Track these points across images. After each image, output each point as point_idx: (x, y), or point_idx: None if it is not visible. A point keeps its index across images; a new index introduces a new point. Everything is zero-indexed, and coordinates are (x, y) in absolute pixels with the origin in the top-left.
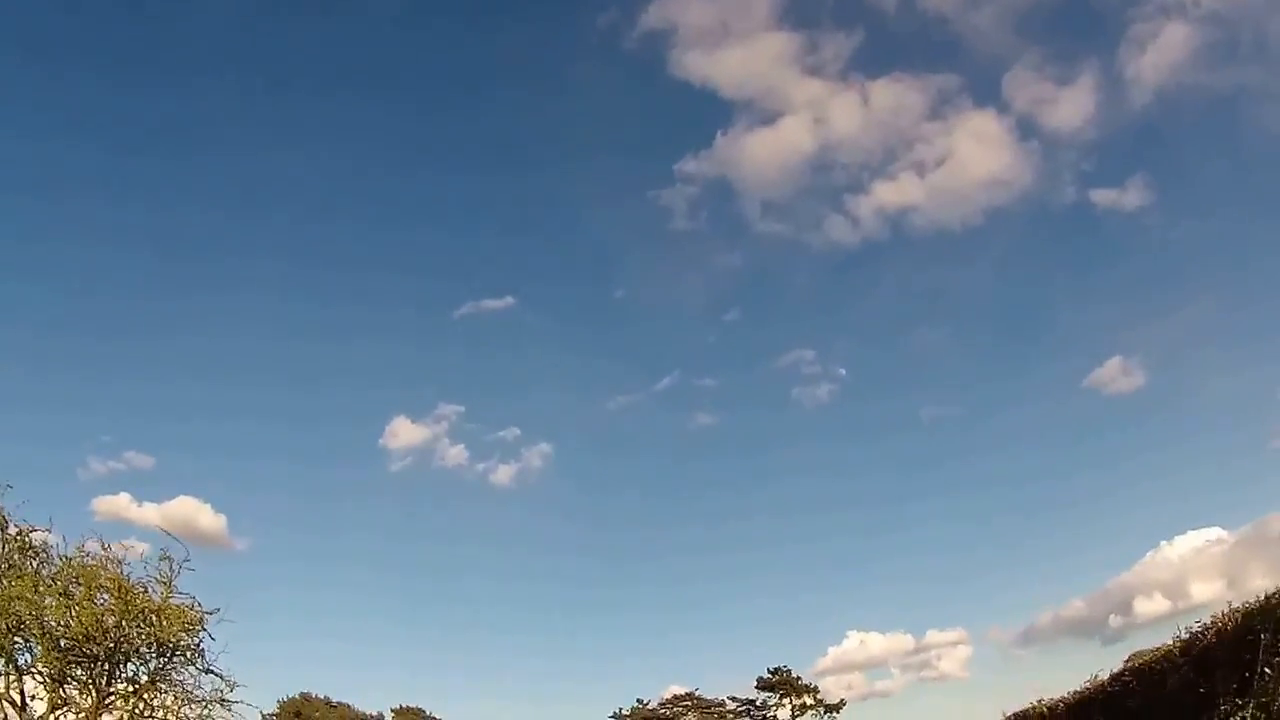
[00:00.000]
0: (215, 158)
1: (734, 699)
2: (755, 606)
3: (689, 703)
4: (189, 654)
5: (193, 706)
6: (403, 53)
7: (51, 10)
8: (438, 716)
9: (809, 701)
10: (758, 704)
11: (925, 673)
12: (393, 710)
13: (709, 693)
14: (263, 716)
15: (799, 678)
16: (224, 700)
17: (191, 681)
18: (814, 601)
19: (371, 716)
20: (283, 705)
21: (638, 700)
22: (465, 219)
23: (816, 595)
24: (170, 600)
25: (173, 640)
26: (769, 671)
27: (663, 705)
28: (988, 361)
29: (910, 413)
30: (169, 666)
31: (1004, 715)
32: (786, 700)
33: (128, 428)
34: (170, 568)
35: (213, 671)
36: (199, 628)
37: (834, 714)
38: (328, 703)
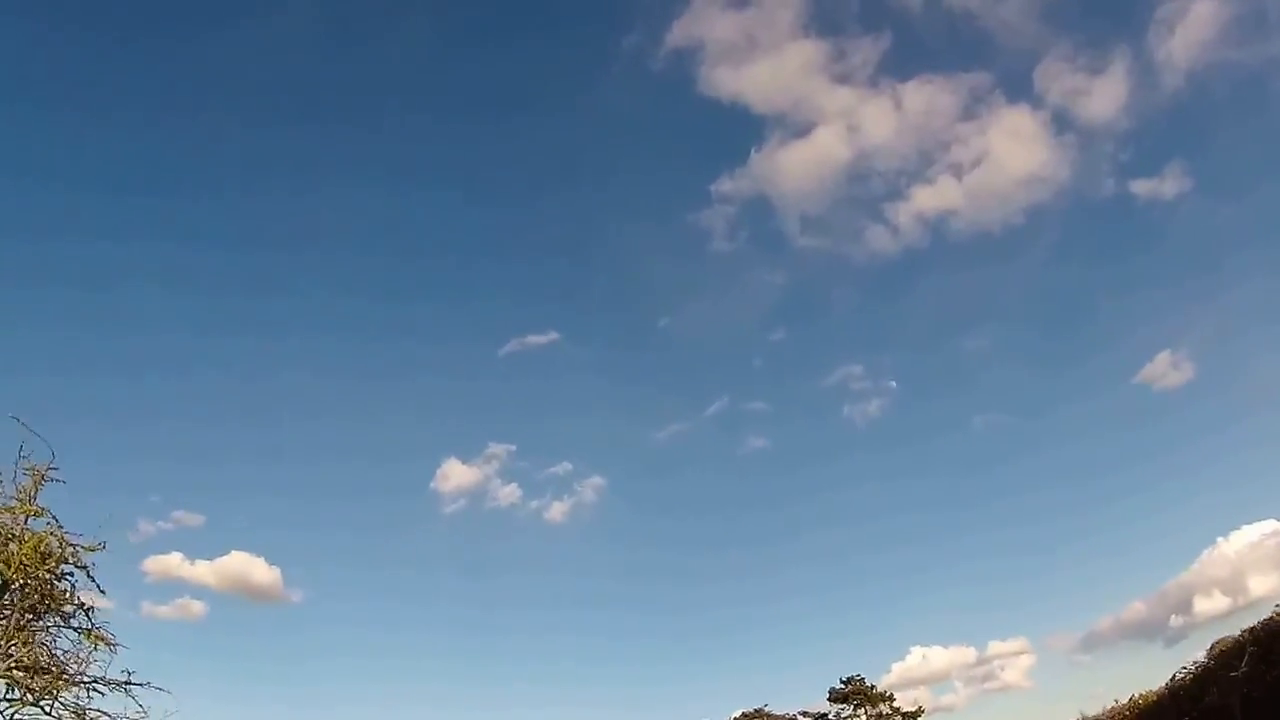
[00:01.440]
0: (252, 195)
1: (805, 714)
2: (818, 625)
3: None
4: (56, 601)
5: (70, 689)
6: (435, 84)
7: (86, 57)
8: None
9: (885, 711)
10: (830, 717)
11: (989, 684)
12: None
13: (777, 710)
14: None
15: (873, 686)
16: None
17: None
18: (876, 617)
19: None
20: None
21: None
22: (503, 254)
23: (878, 611)
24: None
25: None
26: (842, 682)
27: None
28: (1036, 363)
29: (962, 420)
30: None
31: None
32: (861, 711)
33: (175, 486)
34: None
35: (97, 635)
36: (64, 561)
37: None
38: None
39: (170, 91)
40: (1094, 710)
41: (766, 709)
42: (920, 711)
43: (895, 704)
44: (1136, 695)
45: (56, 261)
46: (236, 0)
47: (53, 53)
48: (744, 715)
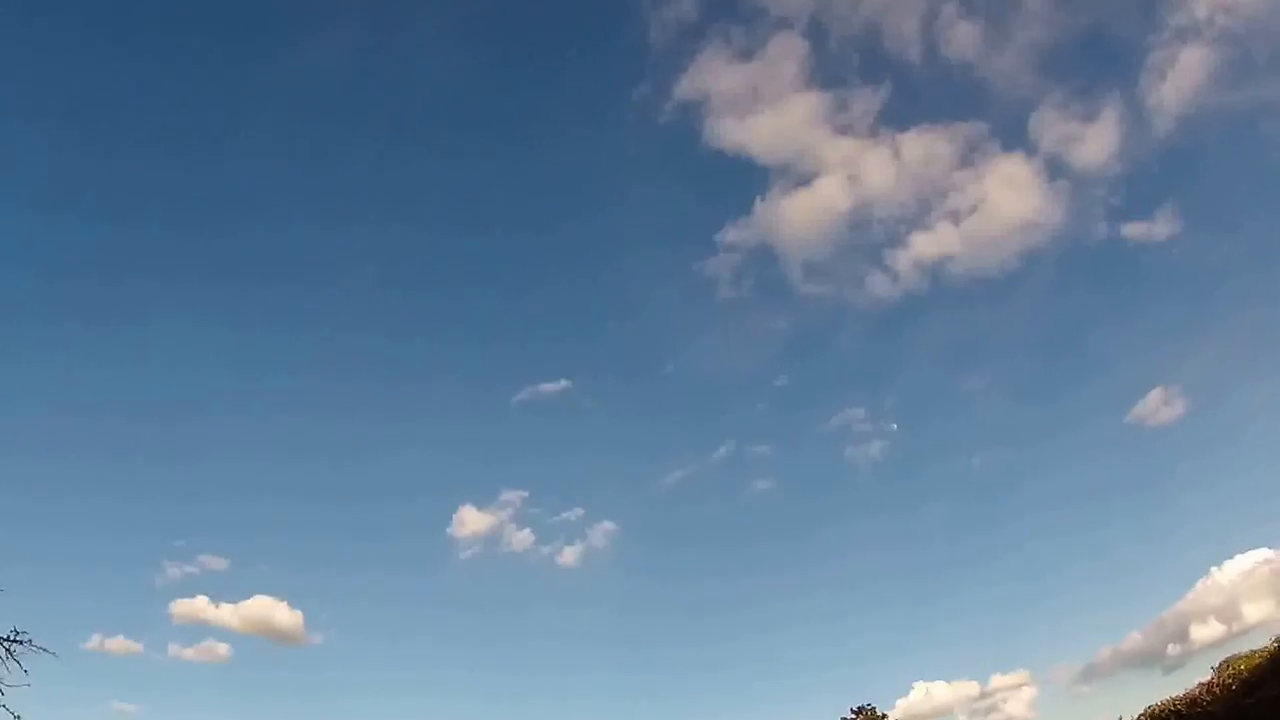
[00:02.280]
0: (269, 231)
1: None
2: (824, 655)
3: None
4: None
5: None
6: (449, 126)
7: (106, 84)
8: None
9: None
10: None
11: (992, 717)
12: None
13: None
14: None
15: (884, 715)
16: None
17: None
18: (881, 654)
19: None
20: None
21: None
22: (514, 298)
23: (882, 648)
24: None
25: None
26: (853, 711)
27: None
28: (1033, 403)
29: (961, 457)
30: None
31: None
32: None
33: (201, 529)
34: None
35: None
36: None
37: None
38: None
39: (187, 123)
40: None
41: None
42: None
43: None
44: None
45: (82, 296)
46: (251, 32)
47: (76, 78)
48: None
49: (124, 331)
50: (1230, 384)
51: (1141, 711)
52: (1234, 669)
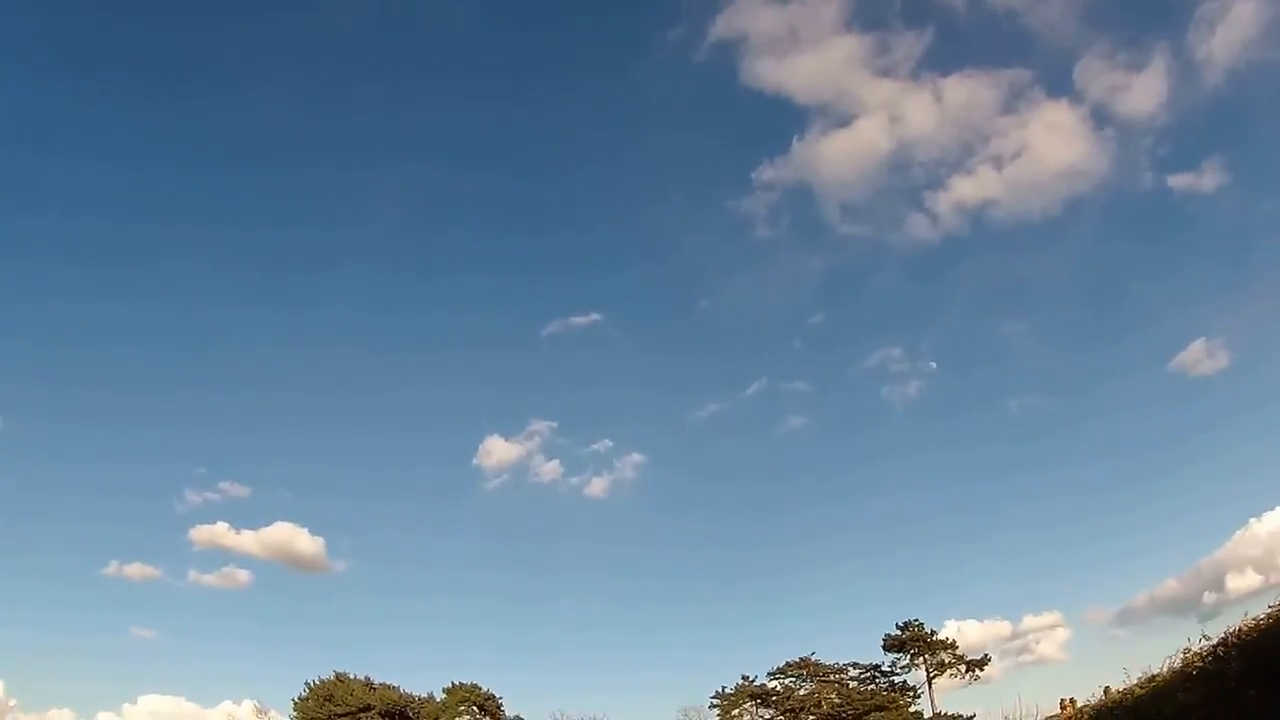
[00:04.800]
0: (297, 172)
1: (856, 665)
2: (855, 596)
3: (804, 670)
4: None
5: None
6: (481, 67)
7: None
8: (494, 693)
9: (947, 659)
10: (885, 667)
11: (1024, 657)
12: (445, 689)
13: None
14: (293, 701)
15: (934, 632)
16: None
17: None
18: (912, 591)
19: (420, 697)
20: (313, 688)
21: (742, 676)
22: (545, 235)
23: (914, 586)
24: None
25: None
26: (898, 627)
27: (773, 675)
28: (1073, 350)
29: (999, 403)
30: None
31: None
32: (920, 659)
33: (221, 457)
34: None
35: None
36: None
37: (976, 672)
38: (367, 684)
39: (217, 69)
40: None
41: (814, 657)
42: (987, 659)
43: (958, 651)
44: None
45: (111, 235)
46: None
47: (104, 31)
48: (787, 665)
49: (154, 268)
50: (1274, 338)
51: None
52: None
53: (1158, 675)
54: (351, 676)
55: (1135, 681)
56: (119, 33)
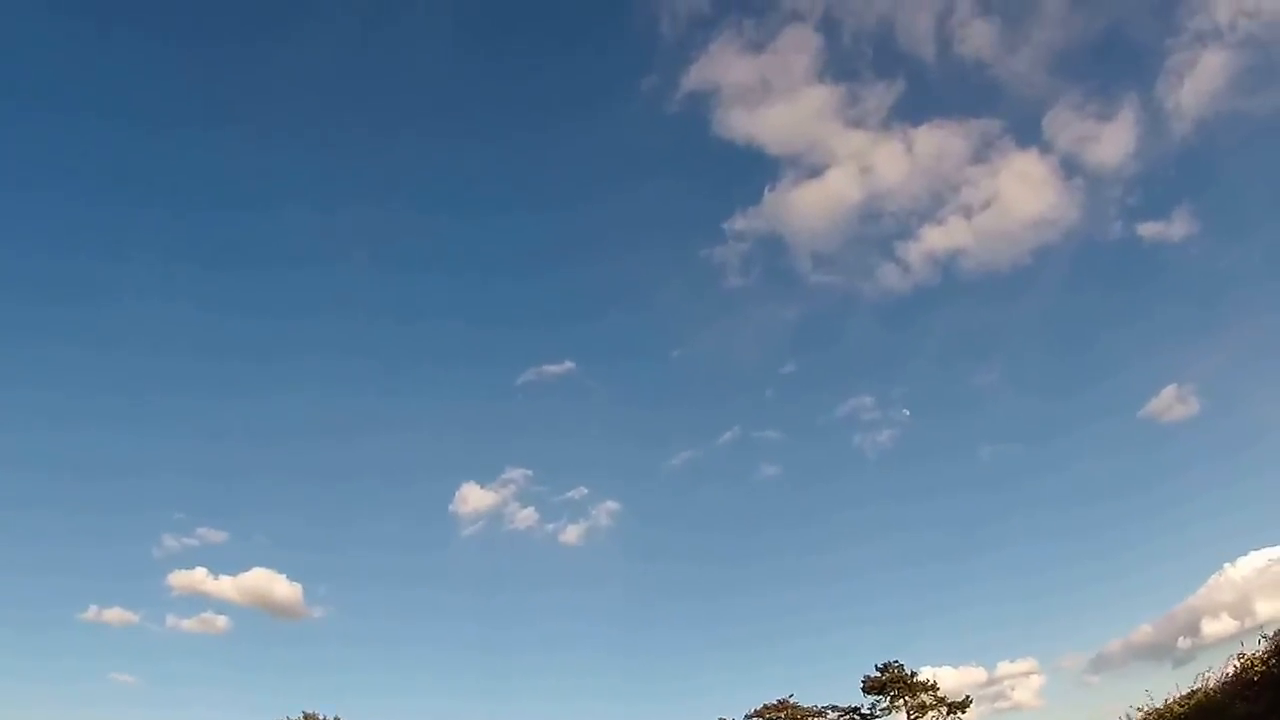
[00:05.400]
0: (274, 213)
1: (835, 708)
2: (830, 645)
3: (781, 713)
4: None
5: None
6: (457, 110)
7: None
8: None
9: (928, 701)
10: (864, 710)
11: (999, 704)
12: None
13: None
14: None
15: (914, 674)
16: None
17: None
18: (888, 638)
19: None
20: None
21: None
22: (520, 283)
23: (888, 634)
24: None
25: None
26: (878, 669)
27: (750, 717)
28: (1044, 397)
29: (970, 451)
30: None
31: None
32: (901, 701)
33: (200, 503)
34: None
35: None
36: None
37: (958, 714)
38: None
39: (192, 106)
40: None
41: (792, 699)
42: (968, 701)
43: (939, 693)
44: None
45: (84, 277)
46: (261, 18)
47: (81, 69)
48: (768, 706)
49: (128, 312)
50: (1244, 384)
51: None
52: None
53: (1197, 690)
54: (320, 717)
55: (1172, 699)
56: (90, 69)
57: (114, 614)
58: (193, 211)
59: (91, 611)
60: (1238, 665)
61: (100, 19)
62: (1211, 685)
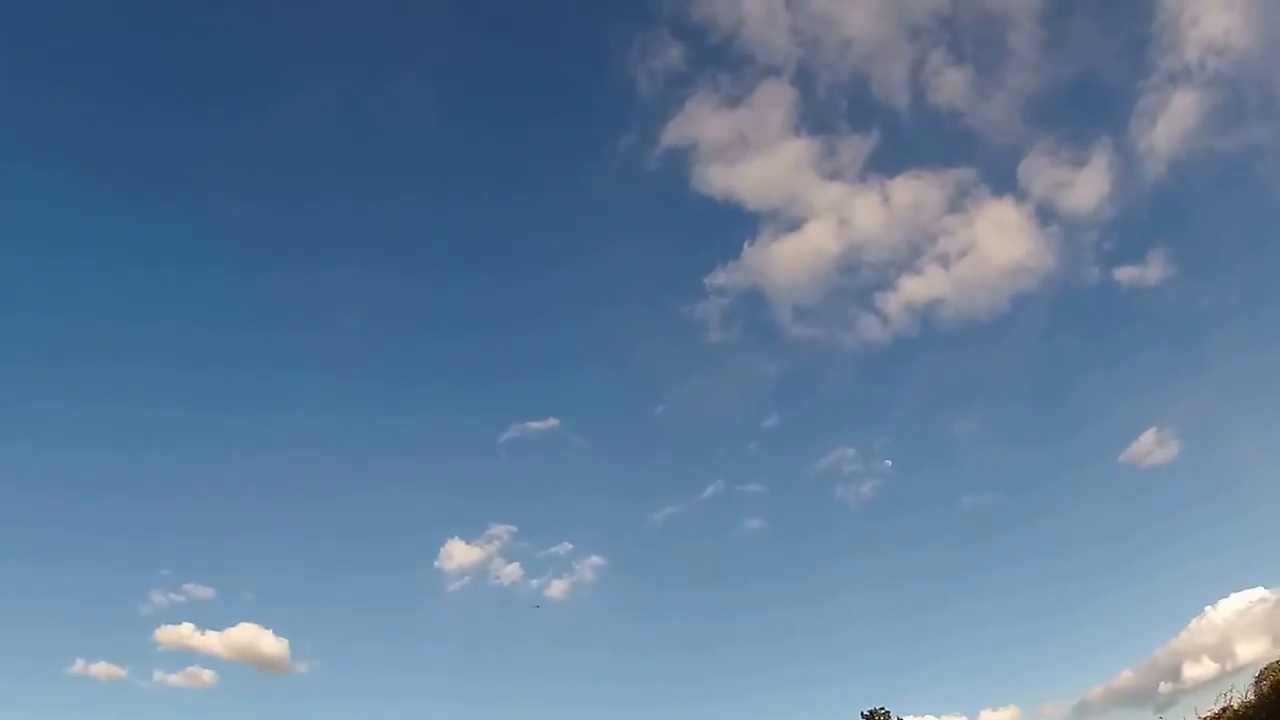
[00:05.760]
0: (261, 272)
1: None
2: (815, 698)
3: None
4: None
5: None
6: (439, 171)
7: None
8: None
9: None
10: None
11: None
12: None
13: None
14: None
15: (901, 719)
16: None
17: None
18: (869, 690)
19: None
20: None
21: None
22: (501, 341)
23: (871, 684)
24: None
25: None
26: (864, 716)
27: None
28: (1023, 445)
29: (951, 501)
30: None
31: None
32: None
33: (186, 559)
34: None
35: None
36: None
37: None
38: None
39: (180, 167)
40: None
41: None
42: None
43: None
44: None
45: (74, 333)
46: (250, 85)
47: (72, 128)
48: None
49: (117, 371)
50: (1223, 426)
51: None
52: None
53: (1226, 708)
54: None
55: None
56: (81, 128)
57: (101, 668)
58: (178, 270)
59: (79, 665)
60: (1273, 677)
61: (90, 80)
62: (1235, 706)
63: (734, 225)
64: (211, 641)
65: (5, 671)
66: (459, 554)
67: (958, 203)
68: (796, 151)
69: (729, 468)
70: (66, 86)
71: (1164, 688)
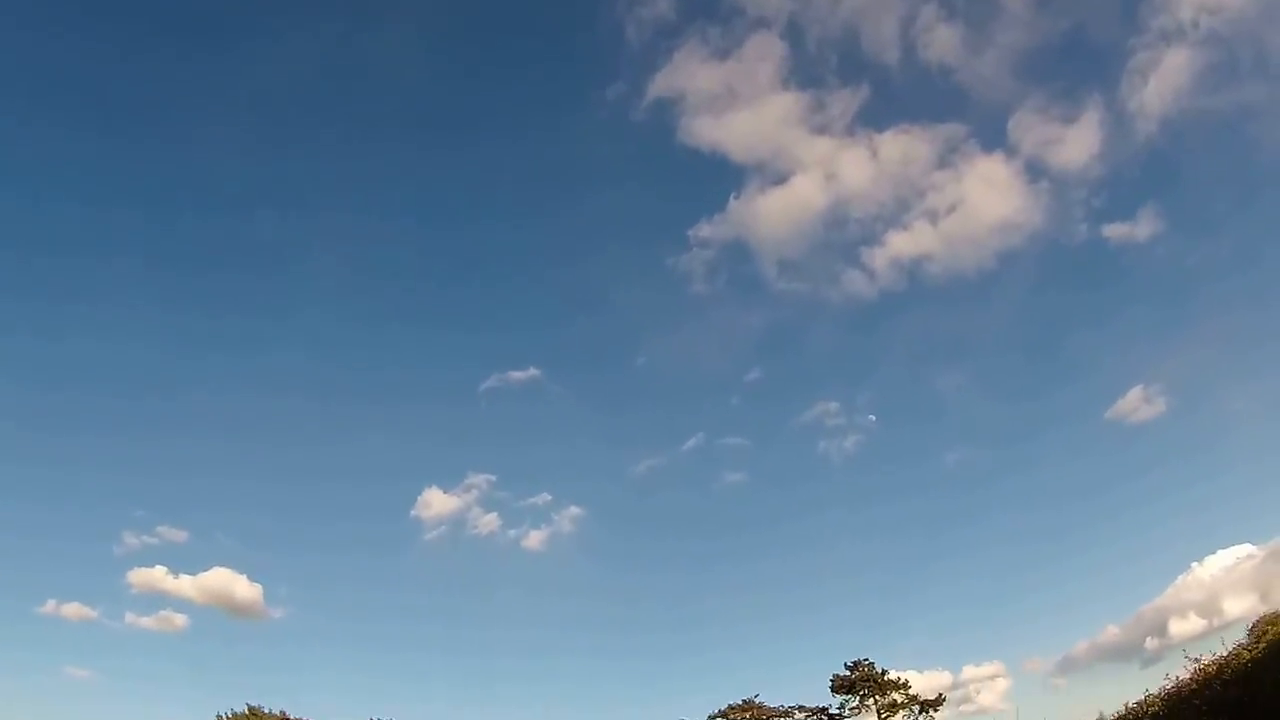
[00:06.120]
0: (241, 216)
1: (802, 708)
2: (794, 650)
3: (747, 714)
4: None
5: None
6: (424, 119)
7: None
8: None
9: (899, 699)
10: (833, 710)
11: (965, 707)
12: None
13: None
14: None
15: (884, 671)
16: None
17: None
18: (850, 644)
19: None
20: None
21: None
22: (483, 289)
23: (853, 638)
24: None
25: None
26: (847, 667)
27: (714, 718)
28: (1009, 401)
29: (936, 456)
30: None
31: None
32: (871, 700)
33: (160, 501)
34: None
35: None
36: None
37: (930, 713)
38: (283, 718)
39: (161, 109)
40: None
41: (758, 699)
42: (941, 699)
43: (911, 691)
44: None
45: (54, 274)
46: (235, 26)
47: (49, 60)
48: (733, 707)
49: (94, 310)
50: (1210, 383)
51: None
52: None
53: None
54: (265, 710)
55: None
56: (62, 70)
57: (72, 609)
58: (160, 212)
59: (49, 606)
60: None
61: (73, 22)
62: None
63: (720, 177)
64: (184, 585)
65: None
66: (436, 502)
67: (947, 158)
68: (785, 105)
69: (711, 420)
70: (48, 28)
71: (1150, 643)
